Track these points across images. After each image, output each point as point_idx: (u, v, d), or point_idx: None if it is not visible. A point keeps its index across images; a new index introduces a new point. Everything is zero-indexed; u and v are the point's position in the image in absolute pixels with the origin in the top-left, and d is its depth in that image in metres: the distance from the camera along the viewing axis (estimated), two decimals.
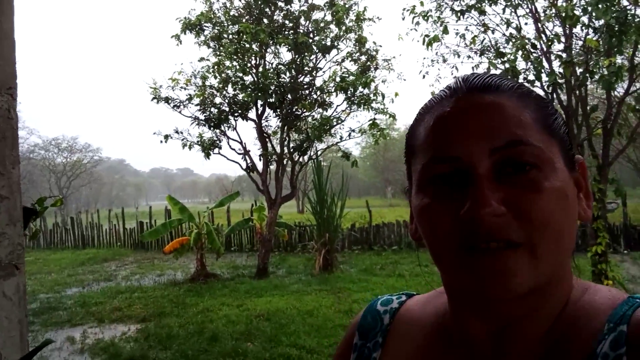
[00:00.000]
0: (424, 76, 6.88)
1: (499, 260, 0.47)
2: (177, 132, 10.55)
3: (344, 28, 9.86)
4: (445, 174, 0.51)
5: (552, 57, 5.57)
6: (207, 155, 10.52)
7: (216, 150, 10.60)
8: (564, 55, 5.36)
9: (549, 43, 5.46)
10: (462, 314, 0.57)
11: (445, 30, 5.97)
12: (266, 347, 5.64)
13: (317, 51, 9.99)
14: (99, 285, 10.26)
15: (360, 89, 9.80)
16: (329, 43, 9.98)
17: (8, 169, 2.32)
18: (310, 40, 9.74)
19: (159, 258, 13.85)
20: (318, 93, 10.34)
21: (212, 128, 10.45)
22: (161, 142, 10.48)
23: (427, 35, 6.11)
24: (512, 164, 0.49)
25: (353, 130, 10.76)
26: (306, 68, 10.17)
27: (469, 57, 6.58)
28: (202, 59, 10.24)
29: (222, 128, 10.50)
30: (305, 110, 10.21)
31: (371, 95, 9.97)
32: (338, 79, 9.93)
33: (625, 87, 5.32)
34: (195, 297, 8.54)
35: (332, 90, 10.16)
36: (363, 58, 10.26)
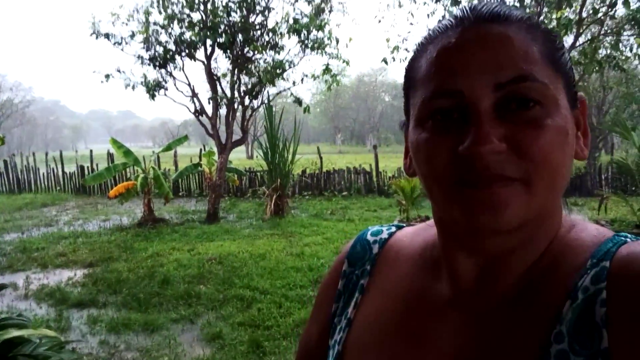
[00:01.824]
0: (379, 21, 6.79)
1: (492, 193, 0.47)
2: (118, 71, 9.95)
3: None
4: (445, 108, 0.50)
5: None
6: (152, 97, 10.05)
7: (162, 91, 10.13)
8: (517, 5, 5.43)
9: None
10: (450, 246, 0.57)
11: None
12: (219, 289, 5.71)
13: None
14: (40, 231, 9.85)
15: (314, 32, 9.55)
16: None
17: None
18: None
19: (103, 203, 13.40)
20: (270, 35, 9.98)
21: (157, 68, 9.92)
22: (102, 82, 9.88)
23: None
24: (516, 100, 0.48)
25: (306, 75, 10.58)
26: (258, 7, 9.73)
27: (424, 3, 6.53)
28: None
29: (168, 68, 10.00)
30: (256, 52, 9.87)
31: (325, 39, 9.76)
32: (291, 21, 9.60)
33: (571, 41, 5.51)
34: (143, 242, 8.41)
35: (285, 32, 9.84)
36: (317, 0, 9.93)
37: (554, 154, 0.48)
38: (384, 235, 0.71)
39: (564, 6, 4.86)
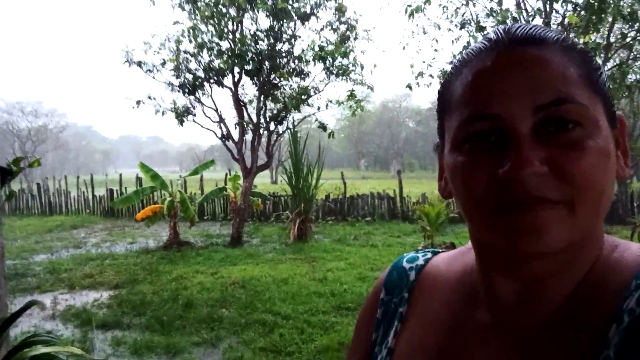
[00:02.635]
0: (404, 47, 6.86)
1: (535, 216, 0.46)
2: (149, 97, 10.27)
3: None
4: (483, 131, 0.50)
5: None
6: (181, 122, 10.30)
7: (190, 117, 10.38)
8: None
9: (530, 18, 5.51)
10: (489, 271, 0.57)
11: (428, 1, 5.93)
12: (242, 313, 5.70)
13: (296, 18, 9.78)
14: (68, 252, 10.07)
15: (339, 59, 9.71)
16: (308, 10, 9.78)
17: None
18: (290, 7, 9.52)
19: (130, 226, 13.65)
20: (296, 62, 10.18)
21: (186, 94, 10.20)
22: (133, 108, 10.20)
23: (409, 5, 6.06)
24: (555, 122, 0.47)
25: (330, 101, 10.70)
26: (285, 35, 9.97)
27: (449, 30, 6.59)
28: (176, 23, 9.90)
29: (197, 95, 10.27)
30: (282, 79, 10.06)
31: (350, 66, 9.90)
32: (317, 48, 9.79)
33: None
34: (168, 265, 8.50)
35: (311, 60, 10.02)
36: (342, 27, 10.11)
37: (597, 175, 0.47)
38: (420, 261, 0.71)
39: (590, 31, 4.83)
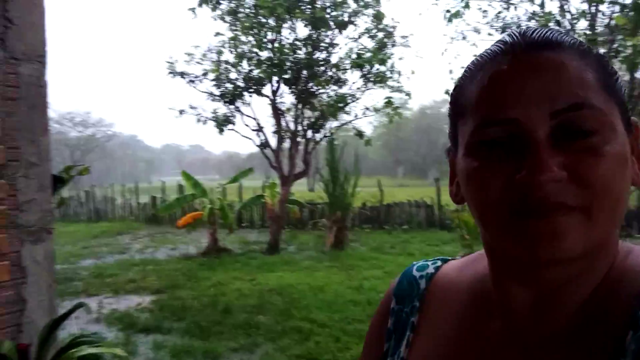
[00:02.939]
0: (442, 53, 6.79)
1: (552, 222, 0.46)
2: (191, 107, 10.58)
3: (361, 3, 9.71)
4: (498, 136, 0.49)
5: (576, 36, 5.46)
6: (221, 131, 10.55)
7: (230, 126, 10.62)
8: (588, 33, 5.24)
9: (574, 20, 5.34)
10: (504, 278, 0.55)
11: (467, 6, 5.85)
12: (278, 320, 5.73)
13: (334, 27, 9.86)
14: (113, 258, 10.44)
15: (377, 66, 9.70)
16: (346, 18, 9.84)
17: (38, 136, 2.35)
18: (328, 16, 9.61)
19: (172, 232, 14.02)
20: (333, 70, 10.25)
21: (226, 103, 10.44)
22: (176, 117, 10.53)
23: (448, 11, 6.00)
24: (572, 127, 0.47)
25: (368, 109, 10.70)
26: (322, 44, 10.06)
27: (489, 34, 6.47)
28: (217, 34, 10.17)
29: (237, 104, 10.49)
30: (320, 87, 10.15)
31: (387, 73, 9.87)
32: (354, 56, 9.82)
33: None
34: (207, 271, 8.66)
35: (348, 67, 10.06)
36: (380, 35, 10.11)
37: (615, 181, 0.47)
38: (430, 270, 0.70)
39: (639, 33, 4.63)
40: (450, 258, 0.72)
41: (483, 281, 0.61)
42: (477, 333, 0.58)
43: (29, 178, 2.28)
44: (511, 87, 0.48)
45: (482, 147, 0.50)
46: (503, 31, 6.09)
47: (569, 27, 5.44)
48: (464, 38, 6.60)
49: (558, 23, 5.48)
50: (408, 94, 10.20)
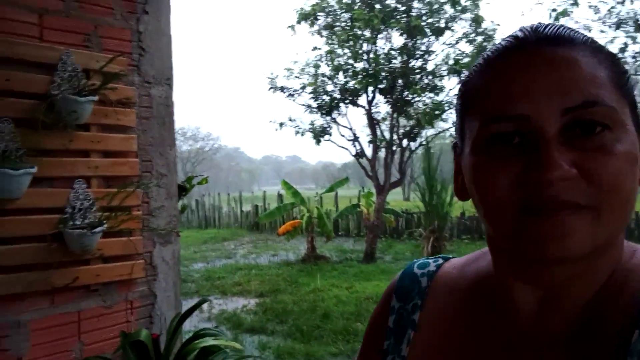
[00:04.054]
0: None
1: (560, 221, 0.45)
2: (290, 119, 11.06)
3: (459, 8, 9.51)
4: (507, 132, 0.48)
5: None
6: (318, 142, 10.89)
7: (326, 136, 10.92)
8: (616, 29, 4.66)
9: None
10: (509, 277, 0.54)
11: (576, 3, 5.50)
12: None
13: (430, 34, 9.76)
14: (221, 262, 11.18)
15: None
16: (442, 25, 9.70)
17: (166, 150, 2.68)
18: (423, 23, 9.54)
19: (273, 239, 14.66)
20: (430, 77, 10.12)
21: (323, 115, 10.76)
22: (276, 130, 11.06)
23: (554, 10, 5.68)
24: (583, 124, 0.46)
25: None
26: (418, 52, 10.00)
27: (602, 31, 6.01)
28: (315, 48, 10.55)
29: (333, 115, 10.77)
30: (416, 95, 10.07)
31: None
32: (451, 62, 9.62)
33: None
34: (307, 277, 8.95)
35: (445, 74, 9.88)
36: (479, 39, 9.81)
37: (624, 180, 0.46)
38: (432, 267, 0.68)
39: None
40: (451, 256, 0.71)
41: (486, 279, 0.60)
42: (479, 331, 0.58)
43: (160, 187, 2.60)
44: (522, 83, 0.47)
45: (491, 143, 0.49)
46: (618, 27, 5.62)
47: None
48: None
49: None
50: None
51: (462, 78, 0.58)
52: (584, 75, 0.47)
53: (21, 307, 2.18)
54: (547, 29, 0.50)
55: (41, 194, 2.21)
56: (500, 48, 0.51)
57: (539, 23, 0.52)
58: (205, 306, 7.18)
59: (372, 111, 10.67)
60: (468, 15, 9.68)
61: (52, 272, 2.21)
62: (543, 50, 0.48)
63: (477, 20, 9.65)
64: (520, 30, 0.51)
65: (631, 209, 0.49)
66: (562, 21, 5.94)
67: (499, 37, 9.75)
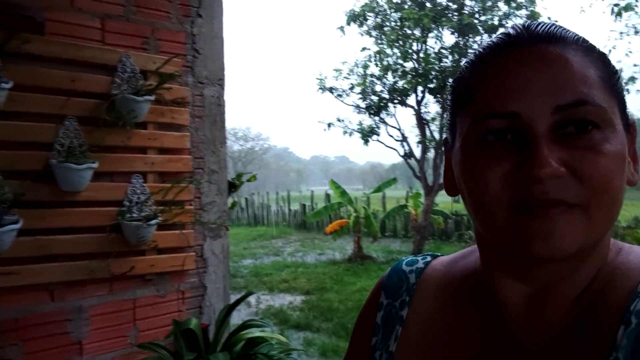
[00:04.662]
0: (610, 50, 6.10)
1: (551, 220, 0.45)
2: (338, 120, 11.10)
3: (514, 5, 9.21)
4: (499, 129, 0.48)
5: None
6: (366, 142, 10.86)
7: (374, 137, 10.87)
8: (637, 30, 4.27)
9: None
10: (498, 274, 0.55)
11: None
12: None
13: (483, 32, 9.51)
14: (269, 259, 11.39)
15: None
16: (496, 22, 9.42)
17: (218, 147, 2.79)
18: (476, 21, 9.31)
19: (320, 238, 14.76)
20: None
21: (371, 115, 10.73)
22: (324, 130, 11.14)
23: (616, 4, 5.40)
24: (574, 123, 0.46)
25: None
26: (470, 50, 9.77)
27: None
28: (364, 49, 10.54)
29: (381, 115, 10.71)
30: None
31: None
32: None
33: None
34: (352, 276, 8.96)
35: None
36: None
37: (613, 179, 0.46)
38: (420, 264, 0.69)
39: None
40: (440, 254, 0.71)
41: (473, 276, 0.60)
42: (467, 327, 0.58)
43: (211, 183, 2.70)
44: (515, 80, 0.47)
45: (482, 140, 0.49)
46: None
47: None
48: (636, 32, 5.85)
49: None
50: None
51: (456, 74, 0.58)
52: (576, 74, 0.47)
53: (83, 293, 2.34)
54: (539, 27, 0.50)
55: (102, 188, 2.35)
56: (492, 45, 0.52)
57: (531, 21, 0.52)
58: (253, 301, 7.35)
59: (422, 111, 10.52)
60: (523, 12, 9.36)
61: (111, 261, 2.35)
62: (536, 48, 0.48)
63: (533, 17, 9.30)
64: (513, 27, 0.52)
65: (618, 208, 0.49)
66: (626, 17, 5.64)
67: None
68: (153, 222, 2.35)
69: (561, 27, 0.51)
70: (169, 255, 2.56)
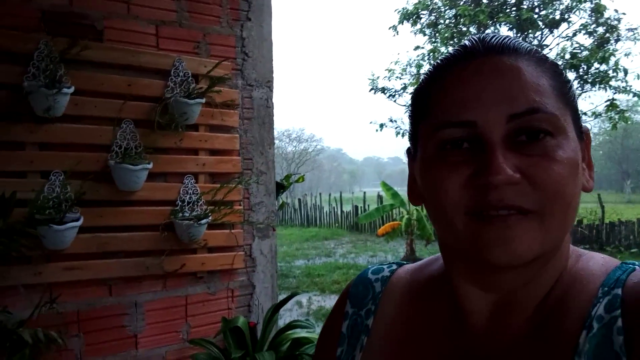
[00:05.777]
0: None
1: (507, 227, 0.46)
2: (391, 121, 10.98)
3: None
4: (456, 138, 0.50)
5: None
6: None
7: None
8: None
9: None
10: (460, 282, 0.56)
11: None
12: None
13: (542, 27, 9.10)
14: (321, 260, 11.44)
15: (596, 65, 8.56)
16: (557, 16, 8.98)
17: (266, 149, 2.83)
18: (536, 16, 8.92)
19: (371, 240, 14.66)
20: None
21: None
22: (377, 130, 11.06)
23: None
24: (527, 131, 0.48)
25: (585, 113, 9.49)
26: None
27: None
28: (417, 48, 10.38)
29: None
30: None
31: (610, 72, 8.62)
32: (568, 56, 8.86)
33: None
34: None
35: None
36: (600, 30, 8.92)
37: (567, 186, 0.47)
38: (386, 273, 0.69)
39: None
40: (405, 262, 0.71)
41: (438, 283, 0.61)
42: (432, 335, 0.58)
43: (259, 184, 2.75)
44: (470, 90, 0.49)
45: (442, 149, 0.51)
46: None
47: None
48: None
49: None
50: (638, 95, 8.71)
51: (416, 86, 0.59)
52: (529, 83, 0.49)
53: (139, 289, 2.44)
54: (494, 39, 0.52)
55: (156, 188, 2.45)
56: (449, 57, 0.54)
57: (486, 33, 0.54)
58: (304, 302, 7.41)
59: None
60: (587, 5, 8.86)
61: (164, 259, 2.44)
62: (490, 59, 0.51)
63: (598, 10, 8.79)
64: (469, 40, 0.54)
65: (574, 213, 0.50)
66: None
67: (624, 28, 8.83)
68: (203, 221, 2.41)
69: (515, 39, 0.53)
70: (219, 254, 2.62)
